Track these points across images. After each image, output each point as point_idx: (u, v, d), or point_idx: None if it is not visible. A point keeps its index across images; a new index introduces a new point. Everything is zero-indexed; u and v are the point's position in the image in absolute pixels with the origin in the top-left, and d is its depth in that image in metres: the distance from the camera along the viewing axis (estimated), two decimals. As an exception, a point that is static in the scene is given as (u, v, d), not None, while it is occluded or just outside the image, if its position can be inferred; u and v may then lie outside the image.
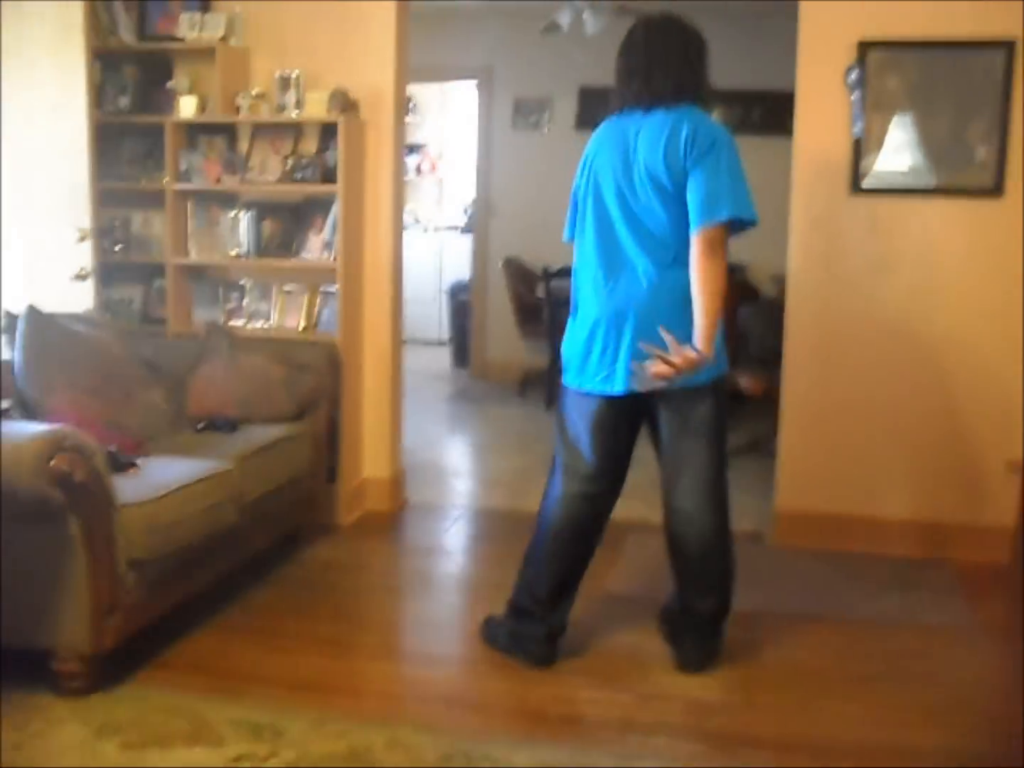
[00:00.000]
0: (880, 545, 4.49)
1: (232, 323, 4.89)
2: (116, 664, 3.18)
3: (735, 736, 3.00)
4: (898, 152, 4.40)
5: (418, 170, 10.85)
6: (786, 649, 3.64)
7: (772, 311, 5.43)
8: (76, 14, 4.36)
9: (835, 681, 3.36)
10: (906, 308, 4.46)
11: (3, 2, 4.43)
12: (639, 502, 5.25)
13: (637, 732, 3.01)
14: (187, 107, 4.84)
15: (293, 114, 4.75)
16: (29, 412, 3.69)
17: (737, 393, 6.22)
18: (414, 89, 9.56)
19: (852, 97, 4.38)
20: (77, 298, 4.45)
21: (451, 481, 5.66)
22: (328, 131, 4.78)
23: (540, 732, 3.00)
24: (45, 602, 3.06)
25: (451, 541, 4.76)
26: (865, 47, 4.35)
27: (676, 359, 3.03)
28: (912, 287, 4.44)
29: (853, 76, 4.36)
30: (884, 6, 4.34)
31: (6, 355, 3.91)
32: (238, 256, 4.88)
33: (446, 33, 8.11)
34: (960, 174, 4.34)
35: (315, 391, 4.42)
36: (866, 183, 4.42)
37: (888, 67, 4.37)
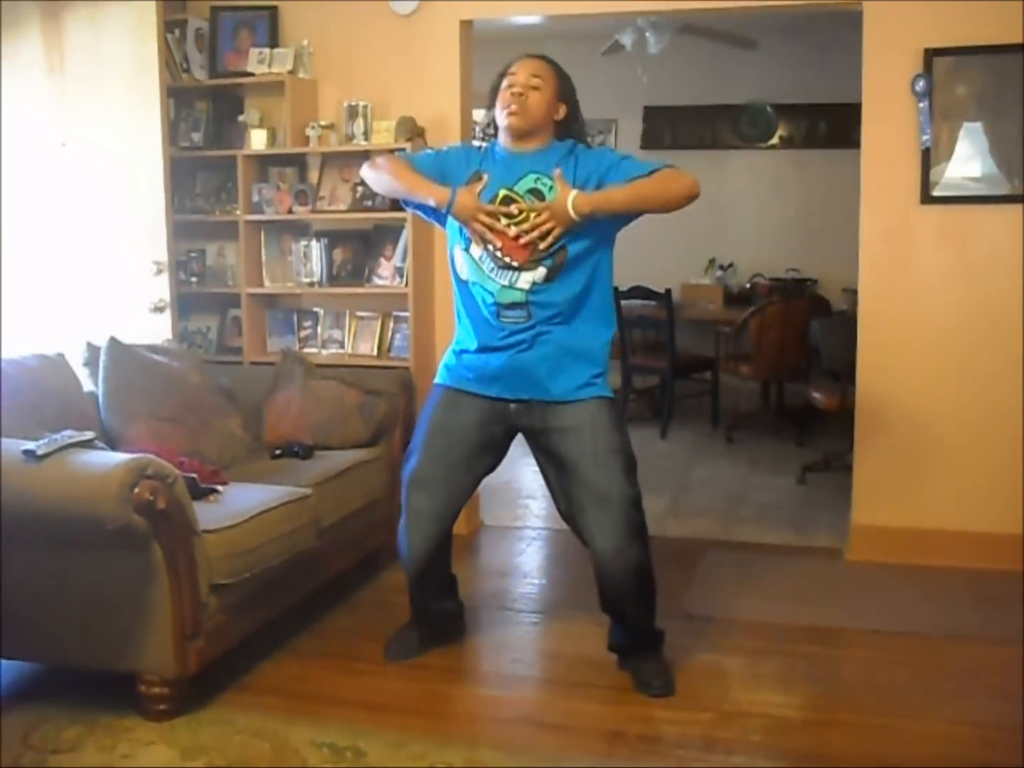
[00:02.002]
0: (959, 559, 4.41)
1: (306, 350, 4.96)
2: (199, 687, 3.23)
3: (814, 754, 2.97)
4: (968, 160, 4.35)
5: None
6: (865, 666, 3.60)
7: (844, 324, 5.38)
8: (150, 53, 4.47)
9: (915, 698, 3.31)
10: (981, 317, 4.39)
11: (79, 43, 4.57)
12: (715, 520, 5.24)
13: (717, 751, 2.98)
14: (258, 140, 4.94)
15: (361, 143, 4.82)
16: (111, 442, 3.77)
17: (811, 407, 6.17)
18: (480, 114, 9.64)
19: (919, 106, 4.34)
20: (155, 329, 4.56)
21: (526, 503, 5.67)
22: (396, 159, 4.83)
23: (619, 752, 2.99)
24: (130, 627, 3.12)
25: (526, 562, 4.77)
26: (931, 54, 4.31)
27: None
28: (986, 296, 4.38)
29: (920, 84, 4.32)
30: (949, 12, 4.29)
31: (88, 387, 4.01)
32: (311, 284, 4.96)
33: (509, 58, 8.16)
34: (1035, 180, 4.28)
35: (389, 416, 4.46)
36: (936, 192, 4.37)
37: (955, 74, 4.33)
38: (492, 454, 3.47)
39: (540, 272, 3.21)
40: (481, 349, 3.31)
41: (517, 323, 3.24)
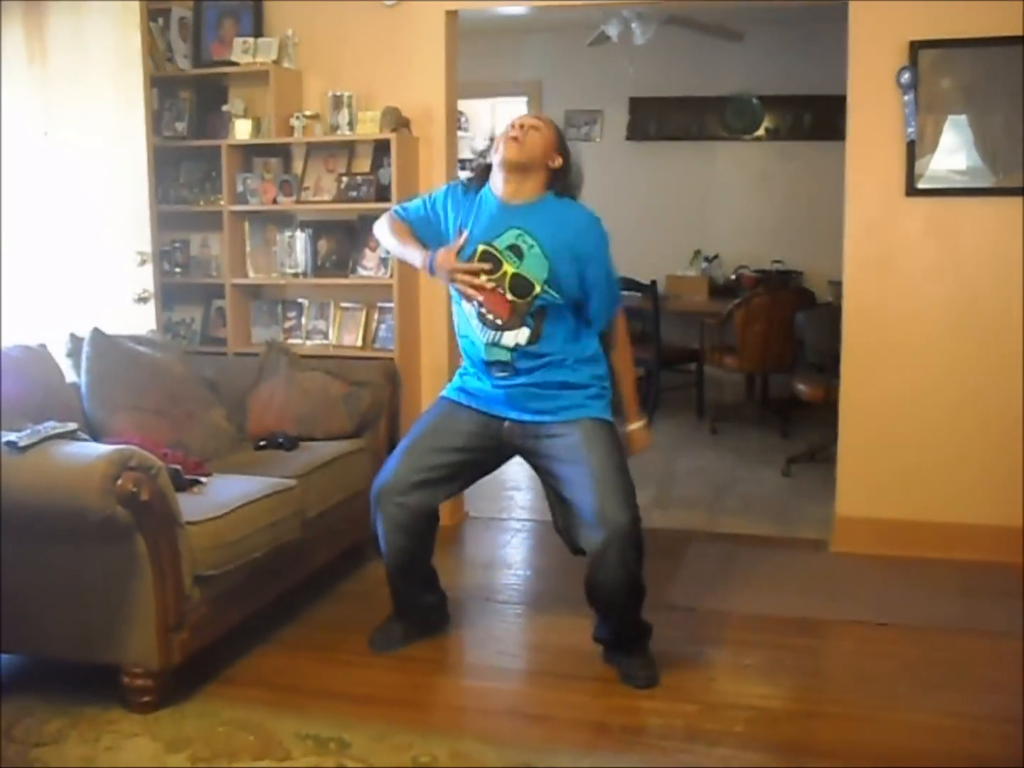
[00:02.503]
0: (944, 550, 4.43)
1: (290, 341, 4.95)
2: (184, 679, 3.22)
3: (800, 745, 2.98)
4: (953, 152, 4.36)
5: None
6: (850, 657, 3.61)
7: (829, 316, 5.39)
8: (133, 43, 4.45)
9: (901, 689, 3.32)
10: (965, 309, 4.40)
11: (61, 32, 4.54)
12: (699, 512, 5.25)
13: (701, 742, 2.99)
14: (242, 130, 4.92)
15: (346, 133, 4.80)
16: (94, 433, 3.75)
17: (796, 399, 6.19)
18: (465, 105, 9.62)
19: (905, 98, 4.34)
20: (139, 320, 4.54)
21: (511, 494, 5.67)
22: (381, 149, 4.83)
23: (604, 743, 3.00)
24: (114, 619, 3.11)
25: (511, 554, 4.77)
26: (916, 47, 4.31)
27: None
28: (970, 288, 4.39)
29: (905, 77, 4.32)
30: (935, 5, 4.30)
31: (71, 377, 3.99)
32: (295, 275, 4.94)
33: (495, 49, 8.16)
34: (1017, 173, 4.28)
35: (373, 407, 4.45)
36: (921, 184, 4.38)
37: (941, 66, 4.33)
38: (479, 467, 3.52)
39: (524, 333, 3.25)
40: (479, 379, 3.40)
41: (505, 376, 3.31)
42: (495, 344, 3.27)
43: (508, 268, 3.22)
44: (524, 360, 3.27)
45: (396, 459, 3.44)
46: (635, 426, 3.53)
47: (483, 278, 3.23)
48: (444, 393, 3.53)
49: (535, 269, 3.21)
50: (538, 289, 3.21)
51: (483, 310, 3.25)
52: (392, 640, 3.61)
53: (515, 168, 3.24)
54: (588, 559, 3.24)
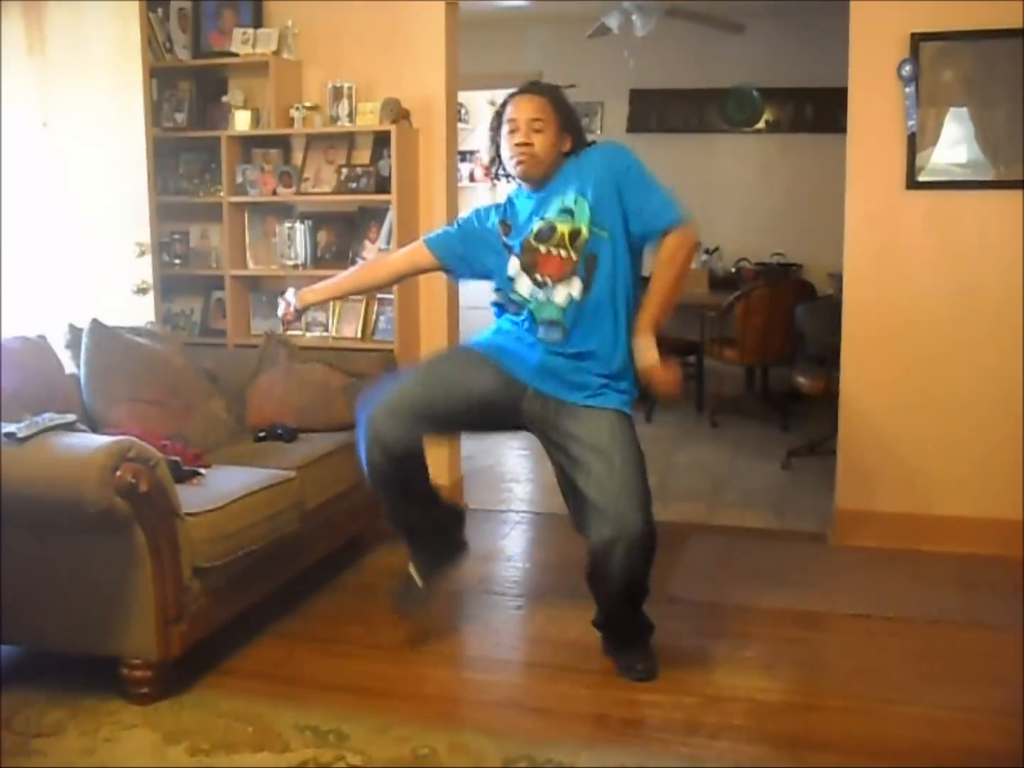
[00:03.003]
0: (943, 543, 4.42)
1: (290, 333, 4.93)
2: (183, 671, 3.22)
3: (799, 738, 2.98)
4: (954, 145, 4.35)
5: (471, 177, 10.87)
6: (849, 650, 3.61)
7: (829, 309, 5.38)
8: (133, 33, 4.43)
9: (899, 682, 3.32)
10: (965, 303, 4.40)
11: (60, 22, 4.52)
12: (699, 504, 5.25)
13: (700, 735, 2.99)
14: (242, 121, 4.91)
15: (346, 124, 4.79)
16: (93, 424, 3.75)
17: (795, 392, 6.18)
18: (465, 96, 9.62)
19: (906, 91, 4.33)
20: (138, 311, 4.53)
21: (510, 486, 5.67)
22: (381, 140, 4.82)
23: (603, 735, 3.00)
24: (113, 610, 3.11)
25: (510, 546, 4.77)
26: (918, 39, 4.30)
27: None
28: (971, 281, 4.38)
29: (906, 69, 4.31)
30: (936, -3, 4.29)
31: (71, 369, 3.99)
32: (295, 266, 4.93)
33: (495, 40, 8.15)
34: (1018, 166, 4.27)
35: (373, 399, 4.44)
36: (922, 177, 4.37)
37: (942, 59, 4.32)
38: (484, 423, 3.48)
39: (576, 284, 3.21)
40: (518, 342, 3.33)
41: (554, 341, 3.25)
42: (548, 302, 3.23)
43: (563, 229, 3.22)
44: (574, 316, 3.21)
45: (404, 384, 3.33)
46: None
47: (543, 249, 3.24)
48: (475, 341, 3.44)
49: (582, 217, 3.22)
50: (585, 231, 3.19)
51: (537, 275, 3.25)
52: (417, 596, 3.52)
53: (535, 183, 3.30)
54: (591, 548, 3.17)
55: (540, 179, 3.28)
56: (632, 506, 3.12)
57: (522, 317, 3.30)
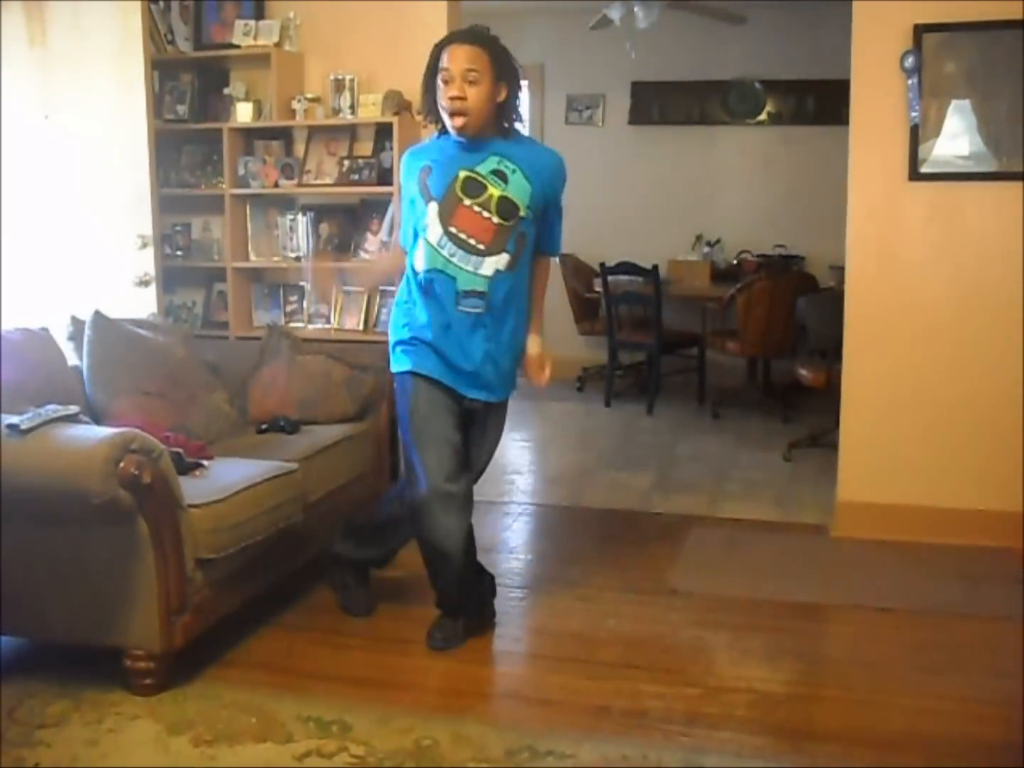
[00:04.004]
0: (944, 535, 4.43)
1: (292, 325, 4.95)
2: (186, 662, 3.23)
3: (800, 729, 2.99)
4: (957, 137, 4.34)
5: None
6: (851, 641, 3.62)
7: (831, 301, 5.38)
8: (134, 25, 4.43)
9: (900, 673, 3.32)
10: (968, 295, 4.40)
11: (61, 15, 4.52)
12: (701, 496, 5.25)
13: (702, 726, 3.00)
14: (243, 113, 4.91)
15: (348, 116, 4.79)
16: (96, 416, 3.75)
17: (797, 384, 6.18)
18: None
19: (908, 82, 4.33)
20: (140, 303, 4.54)
21: (512, 478, 5.67)
22: (383, 132, 4.82)
23: (605, 726, 3.00)
24: (116, 601, 3.11)
25: (512, 538, 4.77)
26: (920, 30, 4.29)
27: None
28: (973, 273, 4.38)
29: (909, 61, 4.30)
30: (939, -11, 4.29)
31: (73, 361, 3.99)
32: (297, 258, 4.94)
33: (497, 32, 8.09)
34: (1020, 158, 4.26)
35: (375, 391, 4.45)
36: (925, 169, 4.36)
37: (945, 51, 4.31)
38: (464, 421, 3.49)
39: (504, 258, 3.26)
40: (437, 336, 3.34)
41: (475, 311, 3.28)
42: (475, 272, 3.24)
43: (494, 191, 3.23)
44: (499, 289, 3.28)
45: (426, 455, 3.35)
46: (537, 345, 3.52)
47: (468, 202, 3.23)
48: (403, 368, 3.41)
49: (519, 192, 3.25)
50: (523, 211, 3.25)
51: (463, 235, 3.22)
52: (455, 637, 3.52)
53: (468, 133, 3.25)
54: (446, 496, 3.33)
55: (475, 134, 3.25)
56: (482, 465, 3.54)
57: (438, 286, 3.28)
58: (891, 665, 3.39)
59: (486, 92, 3.20)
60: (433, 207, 3.26)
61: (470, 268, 3.24)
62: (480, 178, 3.24)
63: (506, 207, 3.23)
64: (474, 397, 3.39)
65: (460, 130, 3.23)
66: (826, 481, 4.92)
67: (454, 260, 3.24)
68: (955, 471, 4.47)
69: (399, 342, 3.43)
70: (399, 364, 3.43)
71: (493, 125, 3.28)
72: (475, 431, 3.47)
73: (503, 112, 3.29)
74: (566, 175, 3.40)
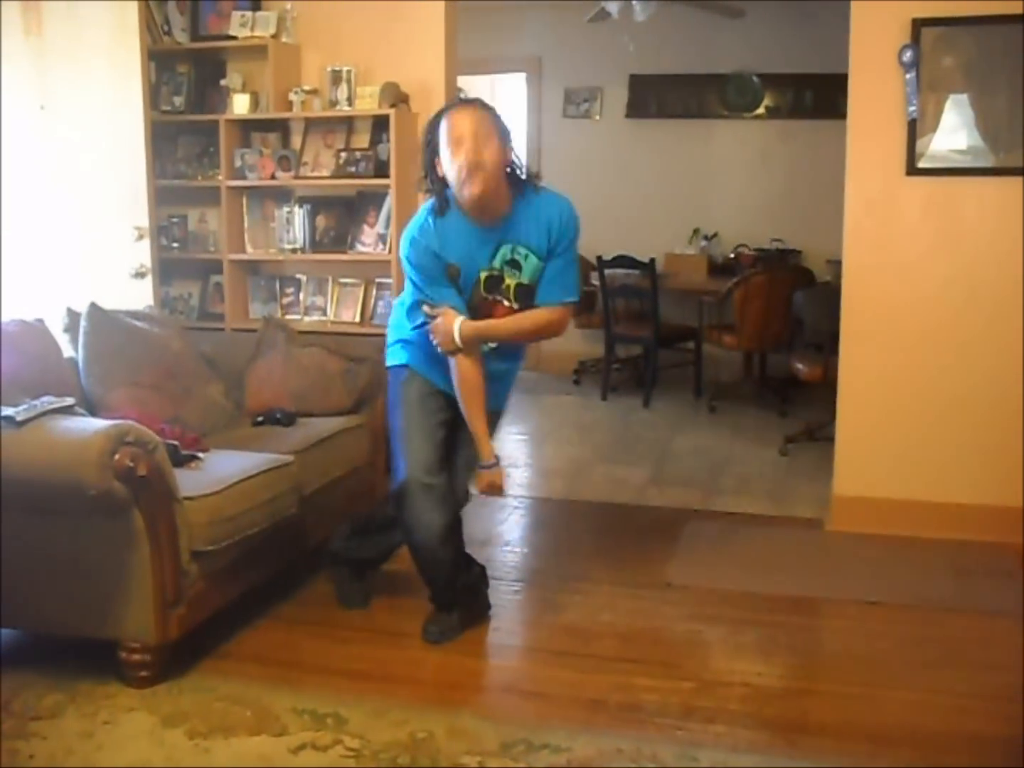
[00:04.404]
0: (940, 530, 4.43)
1: (289, 317, 4.94)
2: (181, 654, 3.23)
3: (795, 723, 2.99)
4: (955, 132, 4.34)
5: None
6: (845, 635, 3.62)
7: (828, 295, 5.38)
8: (131, 16, 4.42)
9: (895, 668, 3.33)
10: (964, 290, 4.39)
11: (57, 5, 4.51)
12: (696, 490, 5.26)
13: (696, 719, 3.00)
14: (240, 104, 4.90)
15: (345, 108, 4.78)
16: (92, 408, 3.75)
17: (794, 378, 6.18)
18: (464, 80, 9.59)
19: (906, 76, 4.32)
20: (136, 295, 4.53)
21: (507, 471, 5.66)
22: (380, 124, 4.81)
23: (600, 720, 3.01)
24: (111, 593, 3.11)
25: (508, 531, 4.77)
26: (919, 25, 4.28)
27: None
28: (970, 268, 4.38)
29: (907, 55, 4.30)
30: (938, -18, 4.28)
31: (69, 352, 3.98)
32: (293, 251, 4.93)
33: (495, 25, 8.11)
34: (1018, 153, 4.26)
35: (371, 383, 4.44)
36: (922, 164, 4.36)
37: (943, 45, 4.30)
38: (453, 423, 3.49)
39: None
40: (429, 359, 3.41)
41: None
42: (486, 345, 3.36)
43: (510, 282, 3.29)
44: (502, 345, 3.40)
45: (409, 445, 3.38)
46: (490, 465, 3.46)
47: (489, 297, 3.30)
48: (399, 361, 3.48)
49: (533, 275, 3.30)
50: (529, 285, 3.31)
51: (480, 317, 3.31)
52: (451, 630, 3.52)
53: (485, 202, 3.17)
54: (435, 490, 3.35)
55: (489, 207, 3.17)
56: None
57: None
58: (886, 659, 3.39)
59: (498, 150, 3.14)
60: (461, 301, 3.30)
61: (485, 348, 3.35)
62: (497, 273, 3.28)
63: (523, 292, 3.31)
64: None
65: (478, 202, 3.14)
66: (822, 475, 4.92)
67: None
68: (951, 466, 4.47)
69: (400, 340, 3.48)
70: (395, 358, 3.48)
71: (503, 193, 3.20)
72: (463, 434, 3.44)
73: (511, 173, 3.24)
74: (577, 224, 3.31)
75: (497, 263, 3.26)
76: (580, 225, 3.33)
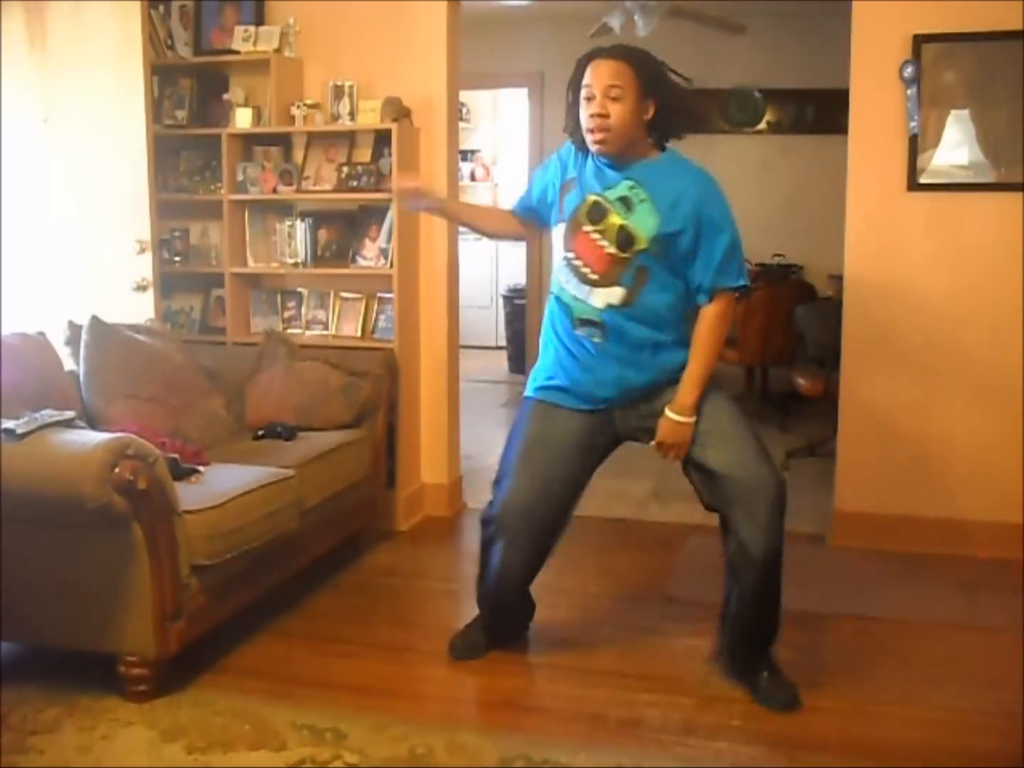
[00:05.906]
0: (942, 545, 4.42)
1: (290, 331, 4.94)
2: (180, 668, 3.22)
3: (796, 739, 2.98)
4: (956, 147, 4.35)
5: (472, 176, 10.88)
6: (847, 651, 3.61)
7: (829, 310, 5.38)
8: (134, 30, 4.43)
9: (897, 684, 3.32)
10: (966, 305, 4.40)
11: (61, 18, 4.52)
12: (698, 505, 5.24)
13: (697, 735, 2.99)
14: (243, 118, 4.90)
15: (347, 123, 4.79)
16: (92, 421, 3.75)
17: (795, 393, 6.18)
18: (466, 95, 9.61)
19: (907, 92, 4.33)
20: (138, 309, 4.53)
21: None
22: (382, 139, 4.81)
23: (600, 735, 3.00)
24: (111, 607, 3.11)
25: (509, 545, 4.76)
26: (920, 40, 4.29)
27: None
28: (971, 283, 4.38)
29: (908, 71, 4.31)
30: (939, -1, 4.29)
31: (70, 366, 3.98)
32: (295, 264, 4.93)
33: (497, 39, 8.13)
34: (1019, 168, 4.27)
35: (373, 398, 4.45)
36: (923, 179, 4.37)
37: (944, 60, 4.32)
38: (592, 466, 3.37)
39: (616, 292, 3.08)
40: (564, 367, 3.21)
41: (594, 339, 3.14)
42: (585, 301, 3.10)
43: (615, 219, 3.05)
44: (614, 324, 3.09)
45: (511, 476, 3.27)
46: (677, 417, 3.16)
47: (588, 228, 3.08)
48: (529, 393, 3.32)
49: (641, 223, 3.04)
50: (643, 244, 3.03)
51: (579, 262, 3.10)
52: (477, 649, 3.49)
53: (613, 157, 3.09)
54: (740, 532, 3.18)
55: (618, 154, 3.07)
56: (763, 464, 3.13)
57: (559, 308, 3.20)
58: (888, 675, 3.38)
59: (630, 109, 3.01)
60: (560, 228, 3.18)
61: (582, 296, 3.11)
62: (606, 203, 3.08)
63: (624, 237, 3.05)
64: (622, 401, 3.22)
65: (600, 151, 3.07)
66: (823, 490, 4.91)
67: (568, 288, 3.14)
68: (953, 481, 4.47)
69: (535, 377, 3.33)
70: (527, 389, 3.35)
71: (640, 144, 3.09)
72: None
73: (651, 130, 3.10)
74: (718, 196, 3.09)
75: (611, 194, 3.07)
76: (730, 209, 3.10)
